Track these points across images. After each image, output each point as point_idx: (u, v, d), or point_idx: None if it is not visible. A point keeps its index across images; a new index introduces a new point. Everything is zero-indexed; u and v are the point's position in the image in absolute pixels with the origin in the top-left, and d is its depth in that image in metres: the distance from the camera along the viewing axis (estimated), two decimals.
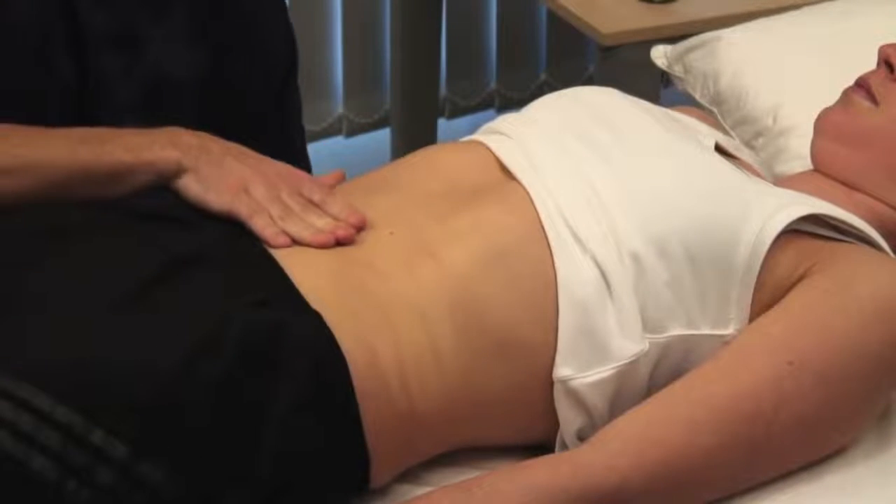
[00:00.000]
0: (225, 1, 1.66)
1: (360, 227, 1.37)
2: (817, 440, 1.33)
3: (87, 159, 1.40)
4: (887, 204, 1.49)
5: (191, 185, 1.40)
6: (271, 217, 1.37)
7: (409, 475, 1.33)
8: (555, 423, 1.34)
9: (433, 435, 1.32)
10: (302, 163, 1.85)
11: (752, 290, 1.34)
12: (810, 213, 1.37)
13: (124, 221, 1.35)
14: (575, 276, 1.32)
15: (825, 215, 1.39)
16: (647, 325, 1.32)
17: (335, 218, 1.38)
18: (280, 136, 1.80)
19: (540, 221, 1.35)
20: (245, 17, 1.69)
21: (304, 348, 1.24)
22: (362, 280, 1.32)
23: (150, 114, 1.56)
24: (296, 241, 1.35)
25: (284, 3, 1.78)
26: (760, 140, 1.82)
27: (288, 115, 1.82)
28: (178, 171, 1.40)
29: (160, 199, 1.39)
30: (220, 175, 1.40)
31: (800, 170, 1.64)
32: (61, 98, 1.58)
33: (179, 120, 1.48)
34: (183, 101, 1.62)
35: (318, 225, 1.37)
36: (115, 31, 1.58)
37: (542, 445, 1.36)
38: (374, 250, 1.35)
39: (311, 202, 1.40)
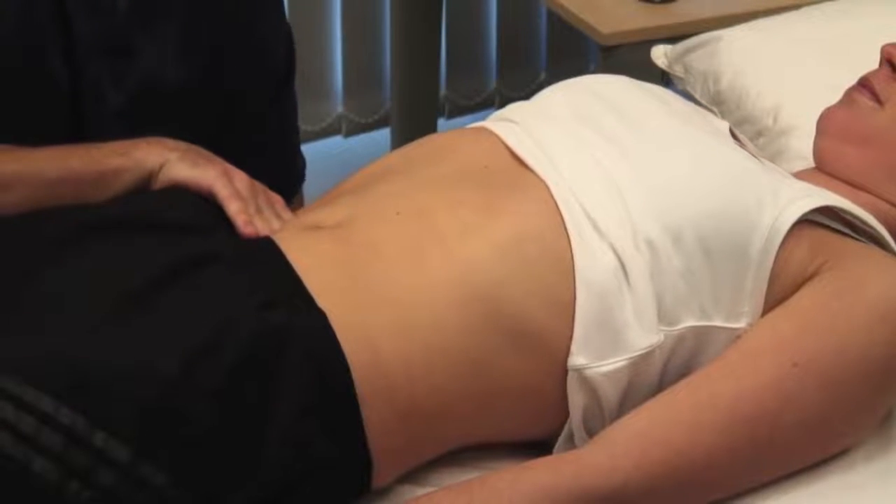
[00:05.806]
0: (223, 5, 1.66)
1: None
2: (821, 441, 1.32)
3: (78, 166, 1.45)
4: (890, 203, 1.48)
5: (178, 167, 1.45)
6: (247, 207, 1.43)
7: (411, 476, 1.33)
8: (562, 416, 1.33)
9: (437, 433, 1.32)
10: (298, 163, 1.86)
11: (766, 282, 1.33)
12: (825, 206, 1.37)
13: (123, 225, 1.35)
14: (593, 263, 1.30)
15: (839, 209, 1.38)
16: (662, 317, 1.31)
17: None
18: (277, 137, 1.80)
19: (558, 209, 1.33)
20: (243, 20, 1.70)
21: (306, 353, 1.23)
22: (368, 269, 1.30)
23: (140, 120, 1.57)
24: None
25: (282, 6, 1.78)
26: (761, 140, 1.82)
27: (286, 117, 1.83)
28: (165, 164, 1.46)
29: (159, 206, 1.40)
30: (207, 158, 1.47)
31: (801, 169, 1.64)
32: (54, 102, 1.59)
33: (169, 127, 1.52)
34: (174, 108, 1.63)
35: (276, 228, 1.42)
36: (107, 40, 1.59)
37: (544, 445, 1.36)
38: (379, 232, 1.34)
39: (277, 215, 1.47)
